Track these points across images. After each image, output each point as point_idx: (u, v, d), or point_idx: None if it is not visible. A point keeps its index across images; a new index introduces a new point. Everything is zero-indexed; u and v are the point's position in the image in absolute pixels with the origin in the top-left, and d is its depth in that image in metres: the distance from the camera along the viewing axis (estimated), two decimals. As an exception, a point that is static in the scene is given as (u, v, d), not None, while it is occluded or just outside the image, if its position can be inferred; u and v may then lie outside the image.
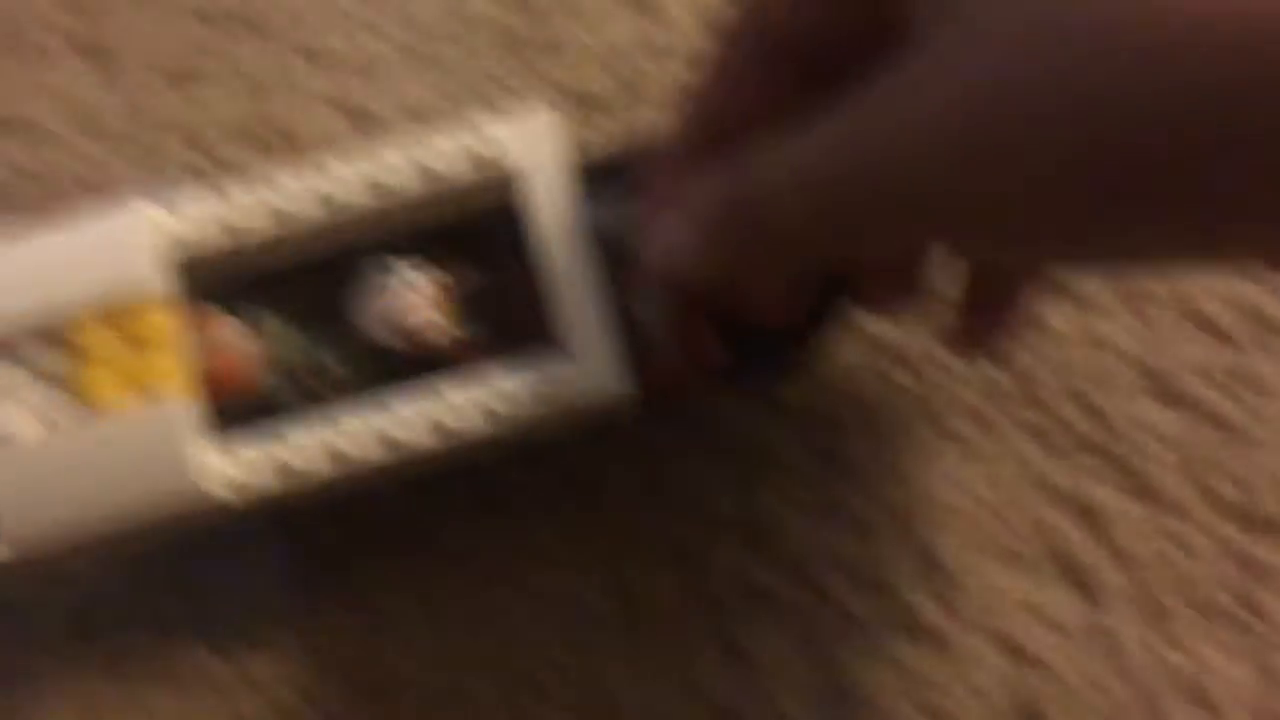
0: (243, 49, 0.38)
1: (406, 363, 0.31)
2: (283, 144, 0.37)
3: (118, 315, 0.29)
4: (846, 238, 0.24)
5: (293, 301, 0.31)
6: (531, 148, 0.30)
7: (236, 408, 0.30)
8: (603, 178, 0.31)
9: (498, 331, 0.31)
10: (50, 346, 0.29)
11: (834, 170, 0.23)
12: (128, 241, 0.29)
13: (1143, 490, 0.33)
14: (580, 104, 0.37)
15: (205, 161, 0.37)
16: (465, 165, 0.30)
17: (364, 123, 0.37)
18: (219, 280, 0.31)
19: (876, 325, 0.35)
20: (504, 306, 0.31)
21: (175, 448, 0.28)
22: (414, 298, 0.30)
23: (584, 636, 0.33)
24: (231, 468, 0.29)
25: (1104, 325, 0.34)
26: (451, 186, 0.30)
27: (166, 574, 0.33)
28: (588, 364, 0.29)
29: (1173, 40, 0.19)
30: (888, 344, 0.35)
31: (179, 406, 0.28)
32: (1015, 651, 0.32)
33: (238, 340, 0.30)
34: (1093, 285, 0.35)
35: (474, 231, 0.32)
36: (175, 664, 0.33)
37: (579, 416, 0.30)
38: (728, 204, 0.25)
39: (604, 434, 0.33)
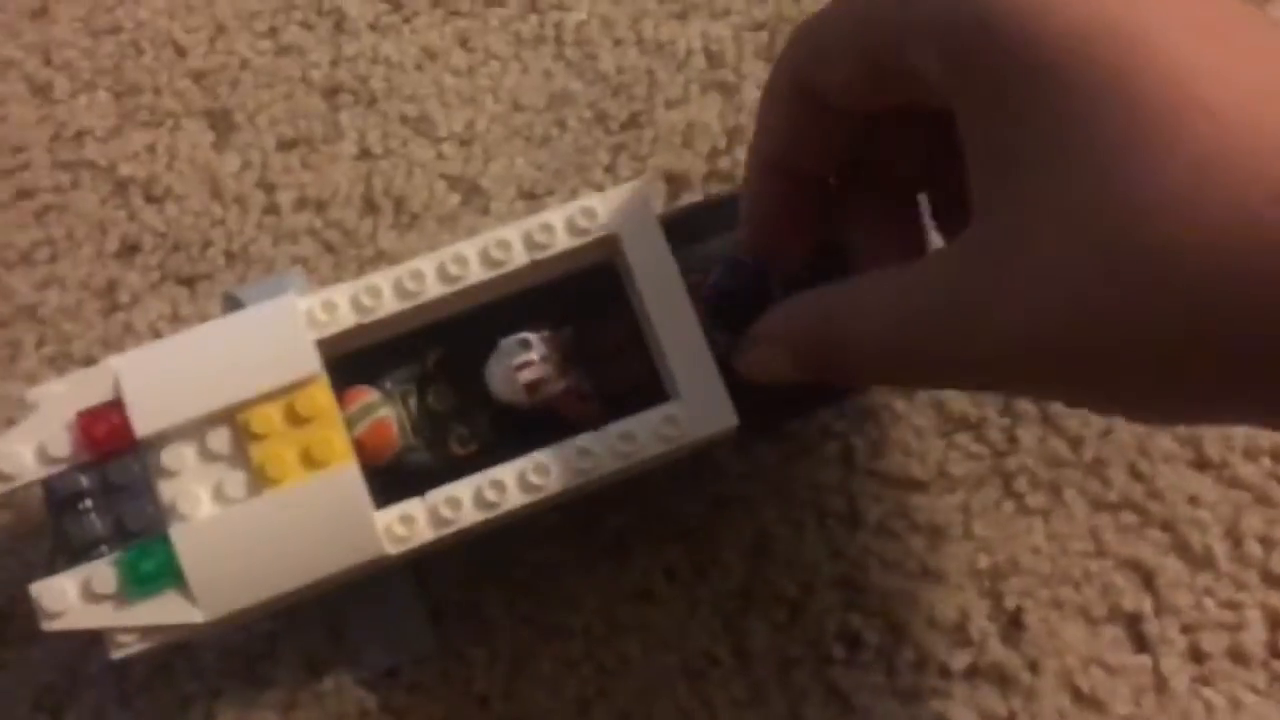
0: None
1: (523, 416, 0.34)
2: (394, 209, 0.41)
3: (281, 395, 0.32)
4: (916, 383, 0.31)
5: (413, 365, 0.35)
6: (628, 216, 0.34)
7: (379, 467, 0.33)
8: (681, 229, 0.35)
9: (601, 379, 0.35)
10: (219, 427, 0.32)
11: (909, 335, 0.27)
12: (285, 329, 0.32)
13: (1183, 548, 0.37)
14: (667, 179, 0.41)
15: (320, 223, 0.41)
16: (568, 236, 0.34)
17: (468, 192, 0.41)
18: (353, 352, 0.34)
19: (943, 391, 0.39)
20: (605, 355, 0.35)
21: (350, 511, 0.32)
22: (529, 356, 0.34)
23: (698, 675, 0.37)
24: (393, 523, 0.32)
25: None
26: (557, 254, 0.34)
27: (317, 617, 0.37)
28: (697, 402, 0.33)
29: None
30: (953, 412, 0.39)
31: (347, 473, 0.32)
32: (1081, 696, 0.36)
33: (378, 406, 0.33)
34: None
35: (575, 289, 0.35)
36: (325, 695, 0.36)
37: (691, 449, 0.34)
38: (818, 343, 0.30)
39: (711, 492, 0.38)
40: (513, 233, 0.34)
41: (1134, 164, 0.22)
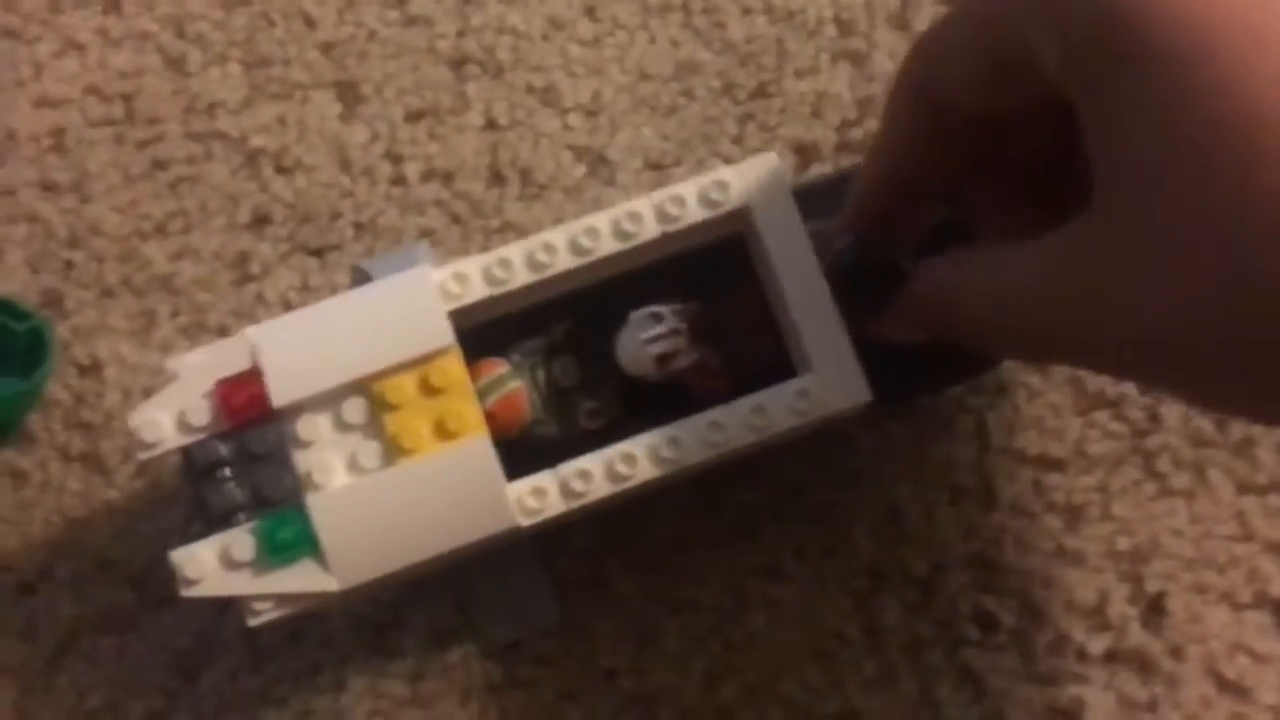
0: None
1: (650, 390, 0.34)
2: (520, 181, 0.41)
3: (414, 366, 0.32)
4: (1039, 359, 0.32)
5: (541, 337, 0.35)
6: (761, 188, 0.33)
7: (509, 439, 0.33)
8: (810, 201, 0.34)
9: (728, 353, 0.34)
10: (354, 398, 0.32)
11: (1026, 316, 0.27)
12: (419, 301, 0.32)
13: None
14: (796, 150, 0.41)
15: (448, 194, 0.41)
16: (700, 209, 0.33)
17: (594, 163, 0.41)
18: (482, 324, 0.34)
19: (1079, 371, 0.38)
20: (732, 330, 0.34)
21: (483, 483, 0.31)
22: (659, 329, 0.33)
23: (828, 654, 0.36)
24: (525, 495, 0.32)
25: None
26: (688, 227, 0.33)
27: (444, 589, 0.37)
28: (830, 376, 0.32)
29: None
30: (1090, 389, 0.38)
31: (480, 445, 0.32)
32: (1225, 683, 0.35)
33: (509, 379, 0.33)
34: None
35: (702, 262, 0.35)
36: (452, 666, 0.37)
37: (822, 424, 0.33)
38: (943, 315, 0.30)
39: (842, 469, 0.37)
40: (644, 205, 0.33)
41: (1244, 170, 0.22)
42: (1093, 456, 0.37)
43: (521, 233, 0.40)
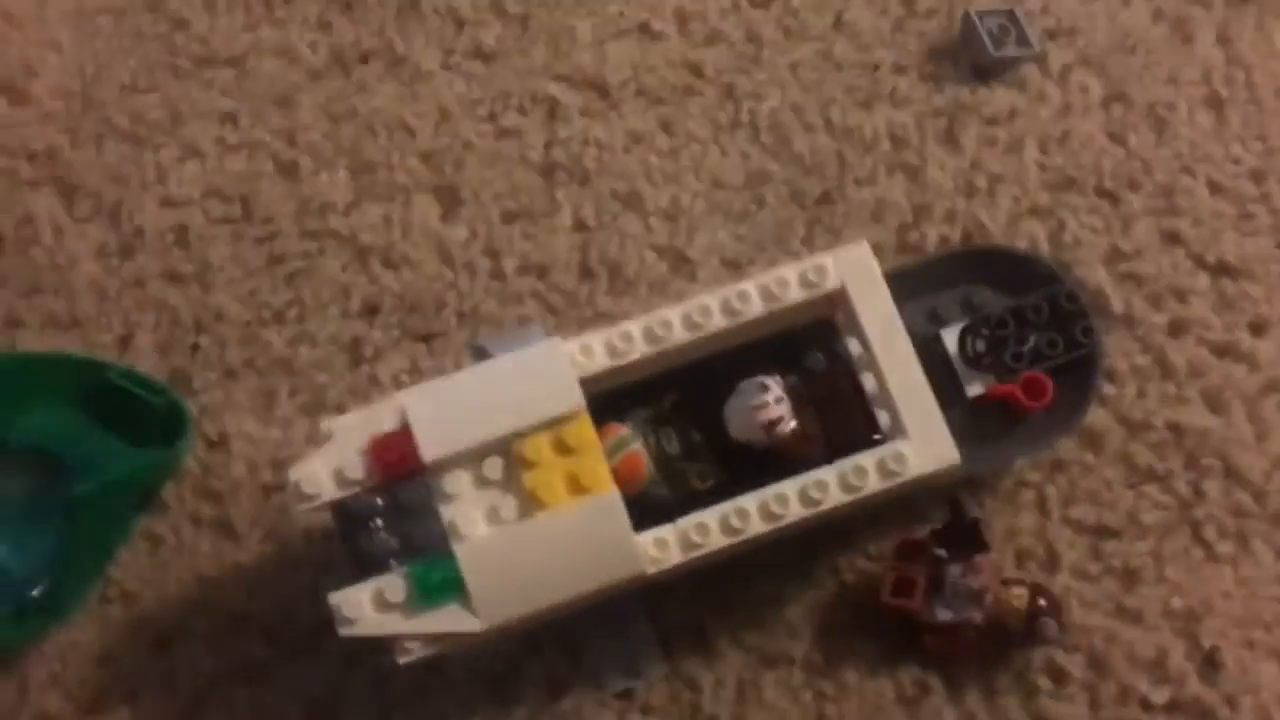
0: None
1: (746, 455, 0.37)
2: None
3: (550, 428, 0.35)
4: None
5: (650, 407, 0.38)
6: (854, 272, 0.37)
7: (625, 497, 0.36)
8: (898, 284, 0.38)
9: (821, 421, 0.38)
10: (493, 457, 0.35)
11: None
12: (551, 368, 0.36)
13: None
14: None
15: (543, 286, 0.45)
16: (801, 290, 0.37)
17: (676, 261, 0.45)
18: (604, 392, 0.37)
19: (1130, 446, 0.42)
20: (822, 399, 0.38)
21: (614, 534, 0.35)
22: (766, 398, 0.37)
23: (912, 702, 0.39)
24: (648, 546, 0.35)
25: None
26: (788, 306, 0.37)
27: (556, 641, 0.40)
28: (922, 441, 0.36)
29: None
30: (1140, 464, 0.41)
31: (611, 499, 0.35)
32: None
33: (630, 441, 0.37)
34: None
35: (793, 340, 0.38)
36: (565, 714, 0.39)
37: (918, 485, 0.36)
38: None
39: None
40: (751, 286, 0.37)
41: None
42: (1145, 525, 0.41)
43: (612, 322, 0.44)
